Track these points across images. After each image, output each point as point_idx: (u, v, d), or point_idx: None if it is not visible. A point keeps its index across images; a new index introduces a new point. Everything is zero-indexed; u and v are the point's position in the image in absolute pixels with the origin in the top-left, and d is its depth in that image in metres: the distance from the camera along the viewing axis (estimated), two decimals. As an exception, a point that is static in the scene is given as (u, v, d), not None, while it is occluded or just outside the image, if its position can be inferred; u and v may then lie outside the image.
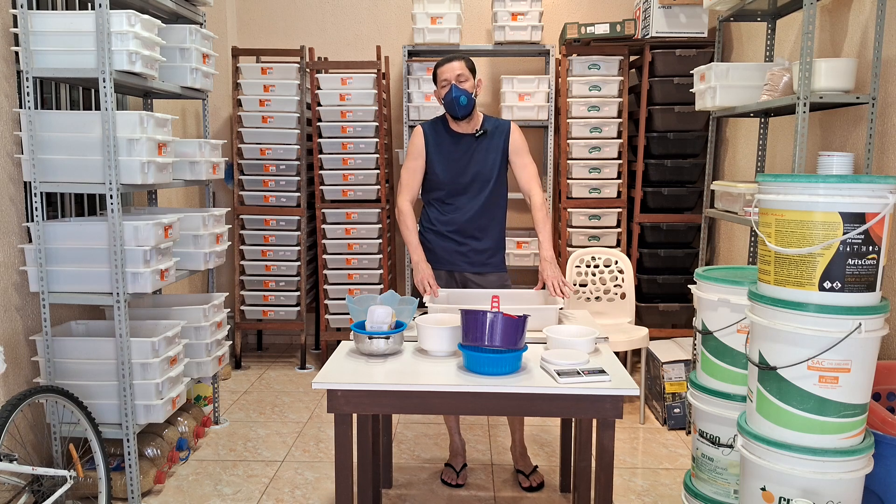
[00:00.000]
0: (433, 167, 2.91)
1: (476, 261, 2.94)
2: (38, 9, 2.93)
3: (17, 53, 2.68)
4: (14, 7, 2.70)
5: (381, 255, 4.49)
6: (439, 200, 2.95)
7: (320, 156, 4.42)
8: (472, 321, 2.03)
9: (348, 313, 4.47)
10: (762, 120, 3.32)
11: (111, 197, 2.62)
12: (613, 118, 4.32)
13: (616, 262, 3.91)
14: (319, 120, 4.42)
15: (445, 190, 2.91)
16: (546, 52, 4.49)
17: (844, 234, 1.77)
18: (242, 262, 4.57)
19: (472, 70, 2.85)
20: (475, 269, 2.95)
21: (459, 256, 2.94)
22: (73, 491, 2.75)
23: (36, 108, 2.69)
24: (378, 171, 4.43)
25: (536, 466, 3.08)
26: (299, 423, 3.69)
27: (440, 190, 2.93)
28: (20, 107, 2.74)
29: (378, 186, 4.44)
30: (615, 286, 3.90)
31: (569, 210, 4.37)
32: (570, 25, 4.26)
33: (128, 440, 2.71)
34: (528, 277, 5.01)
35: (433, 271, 2.85)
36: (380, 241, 4.48)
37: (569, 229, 4.38)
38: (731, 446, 2.27)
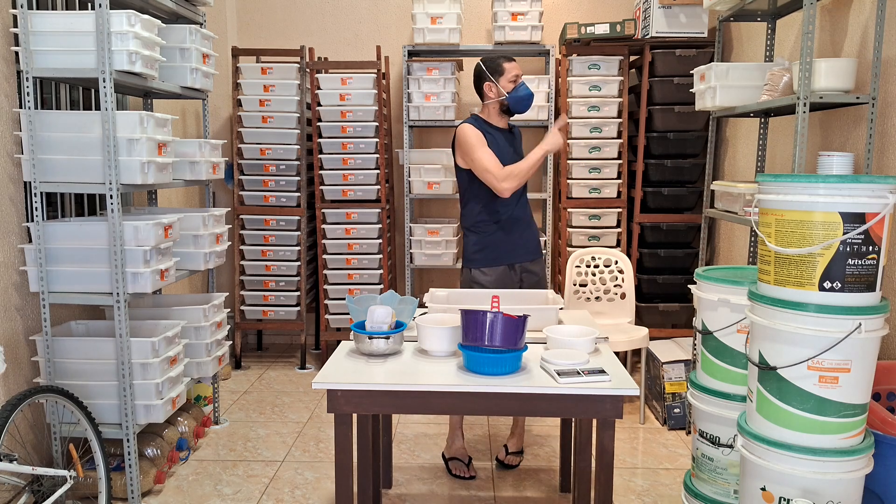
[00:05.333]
0: None
1: (532, 248, 3.10)
2: (38, 9, 2.93)
3: (17, 53, 2.68)
4: (14, 7, 2.70)
5: (381, 255, 4.49)
6: (495, 197, 2.97)
7: (320, 156, 4.42)
8: (472, 321, 2.03)
9: (348, 313, 4.47)
10: (762, 120, 3.32)
11: (111, 197, 2.62)
12: (613, 118, 4.32)
13: (616, 262, 3.91)
14: (319, 120, 4.42)
15: None
16: (546, 52, 4.49)
17: (844, 234, 1.77)
18: (242, 262, 4.57)
19: None
20: (532, 257, 3.09)
21: (520, 247, 3.04)
22: (73, 491, 2.75)
23: (36, 108, 2.69)
24: (378, 171, 4.43)
25: (523, 452, 3.20)
26: (299, 423, 3.69)
27: None
28: (20, 107, 2.74)
29: (378, 186, 4.44)
30: (615, 286, 3.90)
31: (569, 210, 4.37)
32: (570, 25, 4.26)
33: (128, 440, 2.71)
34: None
35: (492, 268, 2.99)
36: (380, 241, 4.48)
37: (569, 229, 4.38)
38: (731, 446, 2.27)
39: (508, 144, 3.02)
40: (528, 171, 2.90)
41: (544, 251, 4.43)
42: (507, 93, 2.93)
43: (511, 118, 3.06)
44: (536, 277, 3.10)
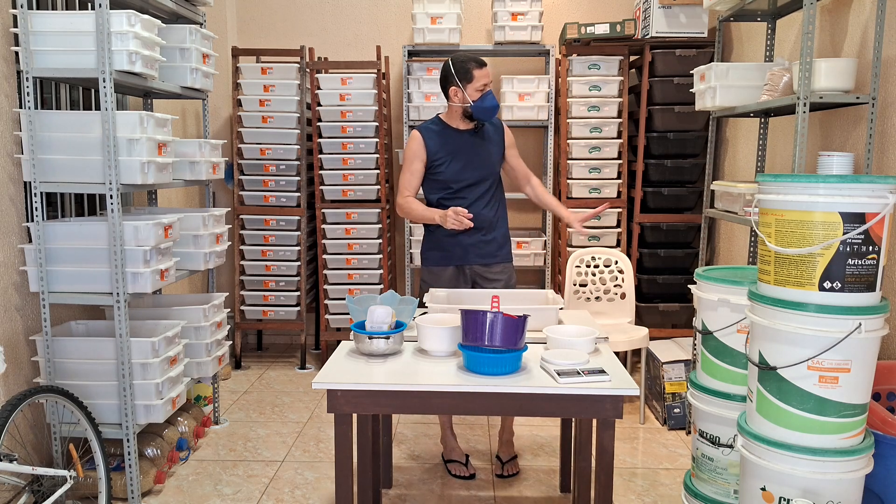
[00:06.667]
0: (439, 166, 2.95)
1: (486, 252, 3.00)
2: (38, 9, 2.93)
3: (17, 53, 2.68)
4: (14, 7, 2.70)
5: (381, 255, 4.49)
6: (447, 198, 2.98)
7: (320, 156, 4.42)
8: (472, 321, 2.03)
9: (348, 313, 4.47)
10: (762, 120, 3.32)
11: (111, 197, 2.62)
12: (613, 118, 4.32)
13: (616, 262, 3.91)
14: (319, 120, 4.42)
15: (454, 187, 2.96)
16: (546, 52, 4.49)
17: (844, 234, 1.77)
18: (242, 262, 4.57)
19: None
20: (484, 261, 3.01)
21: (470, 249, 2.99)
22: (73, 491, 2.75)
23: (36, 108, 2.69)
24: (378, 171, 4.43)
25: (516, 456, 3.16)
26: (299, 423, 3.69)
27: (448, 188, 2.96)
28: (20, 107, 2.74)
29: (378, 186, 4.44)
30: (615, 286, 3.90)
31: (569, 210, 4.36)
32: (570, 25, 4.26)
33: (128, 440, 2.71)
34: (529, 277, 5.01)
35: (442, 267, 3.00)
36: (380, 241, 4.48)
37: (569, 229, 4.38)
38: (731, 446, 2.27)
39: (471, 146, 2.96)
40: (415, 217, 2.94)
41: (546, 253, 4.43)
42: (473, 101, 2.86)
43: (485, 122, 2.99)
44: (494, 285, 3.00)
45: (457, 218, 2.75)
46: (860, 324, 1.77)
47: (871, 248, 1.78)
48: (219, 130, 4.96)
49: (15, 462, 2.18)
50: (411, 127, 4.54)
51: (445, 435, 3.16)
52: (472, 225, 2.78)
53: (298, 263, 4.55)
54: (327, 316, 4.55)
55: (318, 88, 4.39)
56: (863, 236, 1.77)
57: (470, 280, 3.02)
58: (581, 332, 2.33)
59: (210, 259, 3.29)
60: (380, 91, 4.38)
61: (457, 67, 2.87)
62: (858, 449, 1.83)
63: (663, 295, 4.35)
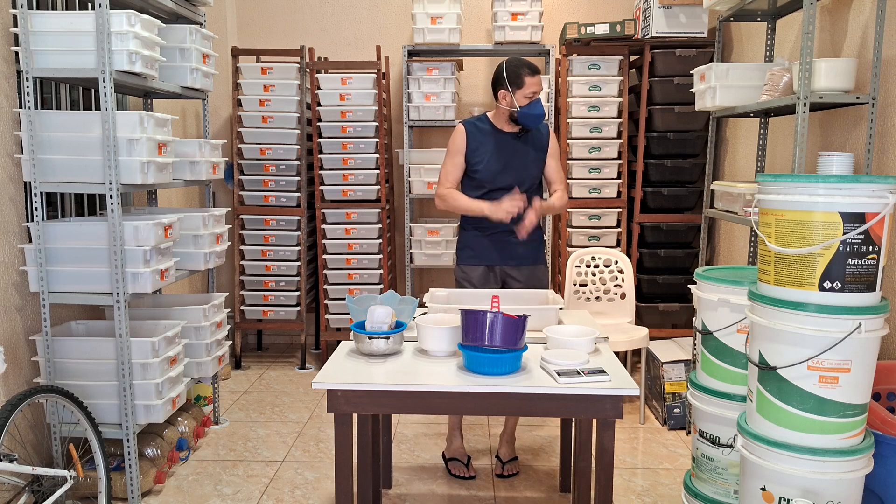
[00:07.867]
0: (476, 164, 2.95)
1: (515, 254, 3.01)
2: (38, 9, 2.93)
3: (17, 53, 2.68)
4: (14, 7, 2.70)
5: (381, 255, 4.49)
6: (482, 199, 2.93)
7: (320, 156, 4.43)
8: (472, 321, 2.03)
9: (348, 313, 4.47)
10: (762, 120, 3.32)
11: (111, 197, 2.62)
12: (613, 118, 4.32)
13: (616, 262, 3.91)
14: (319, 120, 4.42)
15: (487, 187, 2.94)
16: (546, 52, 4.49)
17: (844, 234, 1.77)
18: (242, 262, 4.57)
19: None
20: (514, 263, 3.01)
21: (499, 251, 2.99)
22: (73, 491, 2.75)
23: (36, 108, 2.69)
24: (378, 171, 4.43)
25: (517, 458, 3.16)
26: (299, 423, 3.69)
27: (482, 188, 2.95)
28: (20, 107, 2.74)
29: (378, 186, 4.44)
30: (615, 286, 3.90)
31: (569, 210, 4.37)
32: (570, 25, 4.26)
33: (128, 440, 2.71)
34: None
35: (472, 266, 3.00)
36: (380, 241, 4.48)
37: (569, 229, 4.38)
38: (731, 446, 2.27)
39: (513, 149, 2.95)
40: (460, 208, 2.92)
41: (547, 253, 4.43)
42: (520, 107, 2.86)
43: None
44: (521, 286, 2.99)
45: (513, 206, 2.76)
46: (860, 324, 1.77)
47: (871, 248, 1.78)
48: (219, 130, 4.96)
49: (15, 462, 2.18)
50: (411, 127, 4.54)
51: (452, 434, 3.17)
52: (522, 208, 2.79)
53: (298, 263, 4.55)
54: (327, 316, 4.55)
55: (318, 88, 4.39)
56: (863, 236, 1.77)
57: (500, 280, 3.03)
58: (581, 332, 2.33)
59: (210, 259, 3.29)
60: (380, 91, 4.38)
61: (509, 71, 2.86)
62: (858, 449, 1.83)
63: (663, 295, 4.35)
